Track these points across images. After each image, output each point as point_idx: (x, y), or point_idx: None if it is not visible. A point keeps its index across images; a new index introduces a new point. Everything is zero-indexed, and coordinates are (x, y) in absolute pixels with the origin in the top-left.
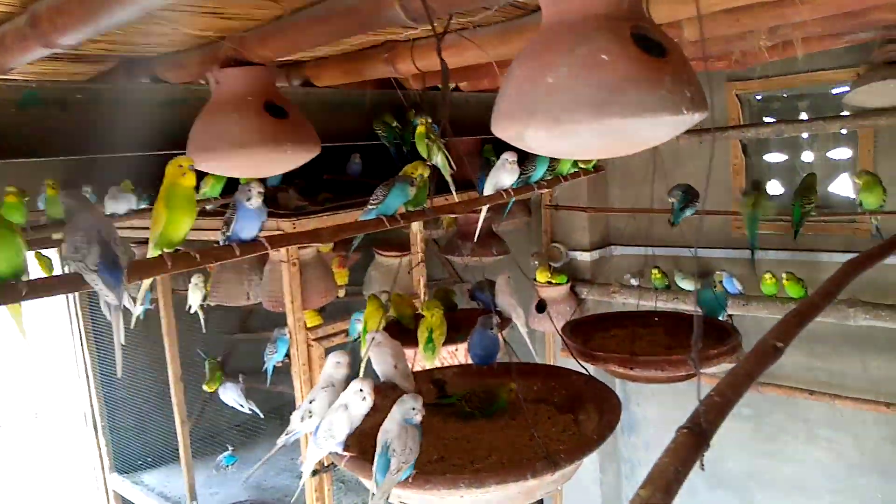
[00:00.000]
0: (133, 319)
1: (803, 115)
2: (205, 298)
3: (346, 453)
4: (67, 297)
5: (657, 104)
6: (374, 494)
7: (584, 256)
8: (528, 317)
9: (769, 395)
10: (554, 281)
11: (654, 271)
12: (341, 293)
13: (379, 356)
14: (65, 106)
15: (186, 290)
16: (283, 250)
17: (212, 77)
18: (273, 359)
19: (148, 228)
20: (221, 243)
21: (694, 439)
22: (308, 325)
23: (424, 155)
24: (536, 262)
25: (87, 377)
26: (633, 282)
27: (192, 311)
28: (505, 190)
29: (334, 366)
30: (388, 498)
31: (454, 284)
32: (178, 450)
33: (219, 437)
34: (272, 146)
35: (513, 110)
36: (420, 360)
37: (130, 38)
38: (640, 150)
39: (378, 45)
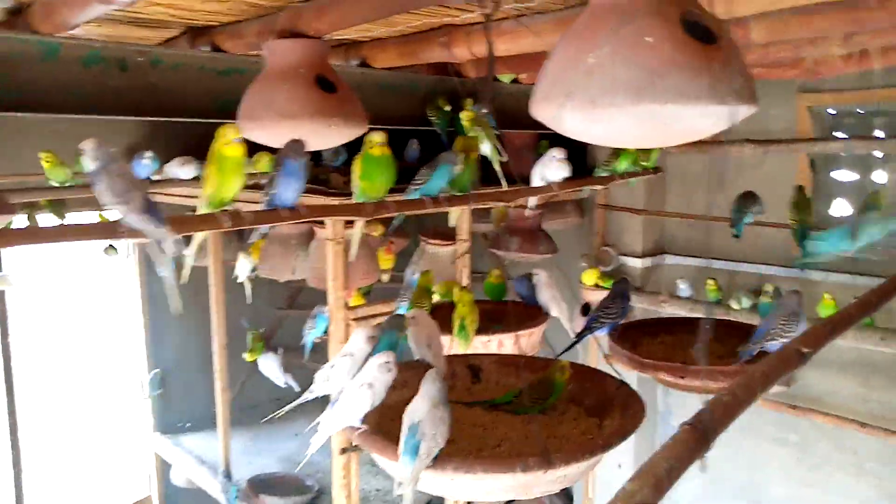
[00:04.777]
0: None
1: (879, 133)
2: (253, 270)
3: (360, 425)
4: (128, 262)
5: (701, 92)
6: (399, 483)
7: (634, 262)
8: (574, 319)
9: (817, 422)
10: (602, 284)
11: (710, 282)
12: (385, 277)
13: (415, 333)
14: (125, 67)
15: (235, 261)
16: (330, 228)
17: (266, 48)
18: (311, 334)
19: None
20: (265, 204)
21: (695, 436)
22: (351, 306)
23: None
24: (585, 264)
25: (141, 338)
26: (684, 287)
27: (238, 281)
28: (555, 183)
29: (364, 339)
30: (417, 483)
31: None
32: (216, 416)
33: (258, 409)
34: (318, 119)
35: (551, 91)
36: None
37: (191, 4)
38: (683, 143)
39: (435, 27)
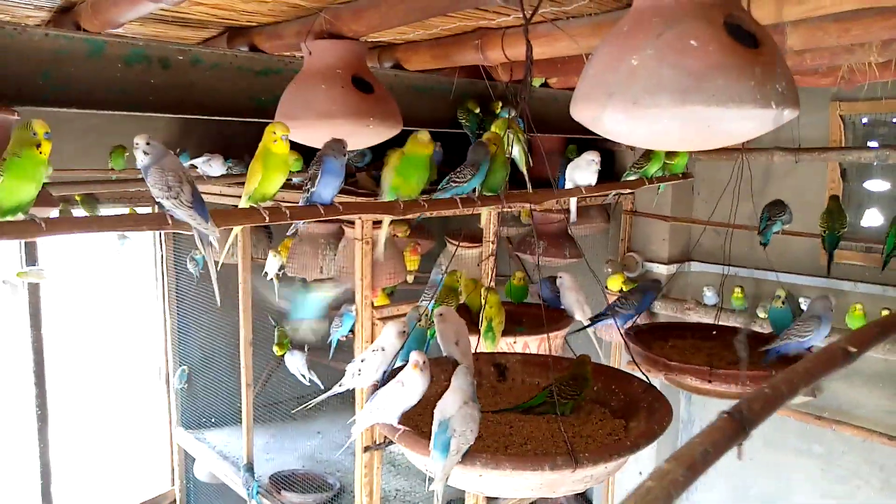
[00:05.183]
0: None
1: None
2: (281, 268)
3: (400, 427)
4: (156, 258)
5: (744, 95)
6: (430, 478)
7: (660, 269)
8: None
9: (843, 434)
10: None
11: (737, 290)
12: (410, 278)
13: (442, 330)
14: (167, 65)
15: (263, 258)
16: (358, 228)
17: (305, 47)
18: (338, 332)
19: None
20: (303, 201)
21: (732, 425)
22: (375, 306)
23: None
24: (610, 270)
25: (166, 334)
26: (710, 294)
27: (268, 278)
28: (585, 186)
29: (395, 334)
30: (447, 479)
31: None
32: (240, 412)
33: (280, 406)
34: (355, 119)
35: (592, 92)
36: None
37: (233, 4)
38: (723, 146)
39: (470, 31)
